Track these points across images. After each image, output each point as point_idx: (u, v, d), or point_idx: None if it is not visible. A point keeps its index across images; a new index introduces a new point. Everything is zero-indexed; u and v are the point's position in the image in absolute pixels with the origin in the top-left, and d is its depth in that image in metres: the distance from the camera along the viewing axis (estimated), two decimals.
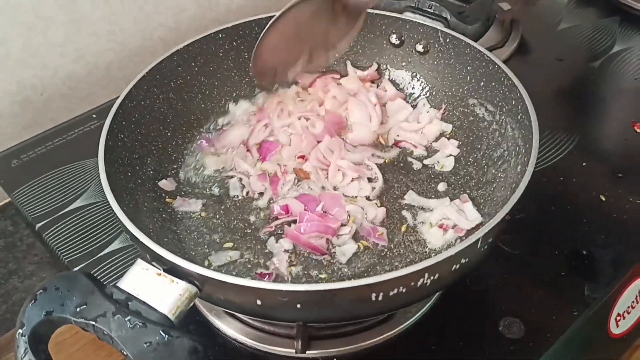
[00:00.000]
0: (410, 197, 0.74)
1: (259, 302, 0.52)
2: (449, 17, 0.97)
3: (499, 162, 0.72)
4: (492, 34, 1.02)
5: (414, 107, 0.84)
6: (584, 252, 0.73)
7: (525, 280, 0.71)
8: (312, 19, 0.74)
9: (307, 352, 0.63)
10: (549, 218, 0.77)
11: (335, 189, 0.74)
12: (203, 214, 0.73)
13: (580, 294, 0.69)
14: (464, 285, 0.69)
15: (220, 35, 0.81)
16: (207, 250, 0.69)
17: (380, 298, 0.52)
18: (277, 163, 0.77)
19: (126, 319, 0.48)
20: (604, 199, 0.79)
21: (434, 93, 0.84)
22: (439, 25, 0.82)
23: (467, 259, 0.54)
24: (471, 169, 0.76)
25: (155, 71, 0.75)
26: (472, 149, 0.78)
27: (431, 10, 0.98)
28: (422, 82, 0.85)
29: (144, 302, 0.50)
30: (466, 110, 0.80)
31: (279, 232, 0.70)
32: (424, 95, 0.85)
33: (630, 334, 0.73)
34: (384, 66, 0.87)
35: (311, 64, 0.79)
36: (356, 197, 0.73)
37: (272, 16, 0.82)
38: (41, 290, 0.50)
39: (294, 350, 0.63)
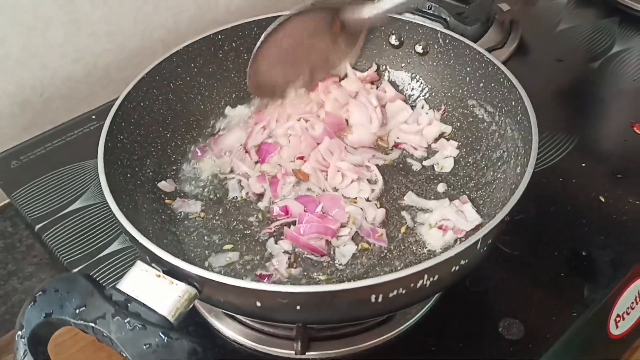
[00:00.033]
0: (410, 198, 0.74)
1: (258, 304, 0.52)
2: (448, 18, 0.97)
3: (499, 163, 0.72)
4: (491, 35, 1.02)
5: (414, 108, 0.84)
6: (584, 253, 0.73)
7: (525, 281, 0.71)
8: (311, 37, 0.74)
9: (307, 353, 0.63)
10: (548, 219, 0.77)
11: (335, 190, 0.74)
12: (202, 215, 0.73)
13: (580, 295, 0.69)
14: (463, 287, 0.69)
15: (219, 37, 0.81)
16: (207, 252, 0.69)
17: (379, 299, 0.52)
18: (277, 164, 0.77)
19: (125, 321, 0.48)
20: (603, 200, 0.79)
21: (433, 94, 0.84)
22: (438, 26, 0.82)
23: (466, 260, 0.54)
24: (470, 170, 0.76)
25: (154, 72, 0.75)
26: (471, 150, 0.78)
27: (430, 11, 0.98)
28: (421, 83, 0.85)
29: (144, 304, 0.50)
30: (465, 111, 0.80)
31: (279, 233, 0.70)
32: (423, 96, 0.85)
33: (629, 334, 0.73)
34: (384, 67, 0.87)
35: (312, 83, 0.80)
36: (356, 198, 0.73)
37: (272, 17, 0.83)
38: (40, 292, 0.50)
39: (293, 352, 0.62)
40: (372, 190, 0.74)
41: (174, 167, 0.78)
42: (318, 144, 0.77)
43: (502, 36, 1.04)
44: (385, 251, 0.68)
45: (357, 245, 0.68)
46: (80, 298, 0.50)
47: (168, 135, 0.78)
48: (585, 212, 0.78)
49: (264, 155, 0.78)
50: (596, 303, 0.68)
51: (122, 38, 1.01)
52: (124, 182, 0.67)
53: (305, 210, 0.71)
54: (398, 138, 0.81)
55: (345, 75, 0.86)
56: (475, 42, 0.78)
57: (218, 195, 0.75)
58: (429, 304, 0.68)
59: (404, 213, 0.72)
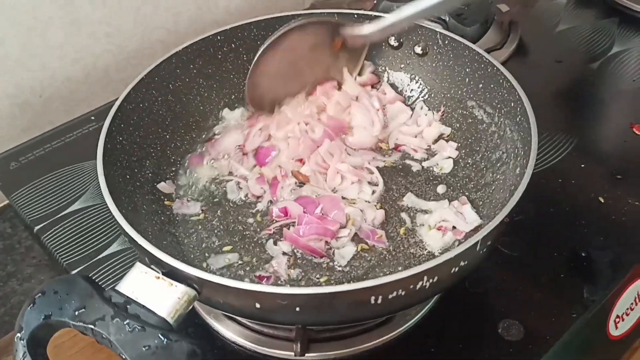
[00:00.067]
0: (409, 199, 0.73)
1: (258, 305, 0.52)
2: (447, 19, 0.97)
3: (498, 164, 0.72)
4: (490, 36, 1.02)
5: (413, 109, 0.84)
6: (583, 254, 0.73)
7: (524, 282, 0.71)
8: (312, 52, 0.74)
9: (306, 354, 0.63)
10: (547, 220, 0.77)
11: (334, 191, 0.74)
12: (202, 217, 0.73)
13: (579, 296, 0.69)
14: (463, 288, 0.69)
15: (218, 38, 0.81)
16: (206, 253, 0.69)
17: (379, 301, 0.52)
18: (277, 166, 0.76)
19: (125, 323, 0.48)
20: (602, 201, 0.79)
21: (432, 95, 0.84)
22: (437, 27, 0.81)
23: (466, 262, 0.54)
24: (470, 171, 0.76)
25: (153, 73, 0.75)
26: (470, 151, 0.78)
27: None
28: (420, 84, 0.85)
29: (143, 306, 0.50)
30: (465, 112, 0.80)
31: (278, 234, 0.70)
32: (422, 97, 0.85)
33: (629, 335, 0.73)
34: (383, 68, 0.87)
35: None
36: (355, 199, 0.73)
37: (272, 18, 0.83)
38: (40, 294, 0.50)
39: (293, 353, 0.62)
40: (373, 191, 0.74)
41: (173, 169, 0.77)
42: (318, 146, 0.77)
43: (501, 37, 1.04)
44: (385, 252, 0.68)
45: (357, 246, 0.68)
46: (80, 300, 0.50)
47: (167, 136, 0.78)
48: (584, 213, 0.78)
49: (262, 158, 0.78)
50: (595, 304, 0.68)
51: (121, 39, 1.01)
52: (123, 184, 0.67)
53: (304, 212, 0.71)
54: (398, 140, 0.81)
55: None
56: (474, 43, 0.78)
57: (217, 197, 0.75)
58: (429, 305, 0.68)
59: (403, 214, 0.72)
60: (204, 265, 0.68)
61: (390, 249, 0.69)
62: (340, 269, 0.67)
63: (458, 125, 0.81)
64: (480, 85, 0.77)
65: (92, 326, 0.48)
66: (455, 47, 0.79)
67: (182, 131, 0.80)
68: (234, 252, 0.69)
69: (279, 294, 0.51)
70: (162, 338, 0.47)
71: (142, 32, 1.03)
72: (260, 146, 0.79)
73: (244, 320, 0.67)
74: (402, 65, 0.86)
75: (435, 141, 0.80)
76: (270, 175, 0.76)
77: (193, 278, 0.52)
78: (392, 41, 0.85)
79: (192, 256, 0.69)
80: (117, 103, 0.70)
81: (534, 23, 1.12)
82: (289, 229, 0.70)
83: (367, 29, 0.73)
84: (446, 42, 0.80)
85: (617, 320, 0.71)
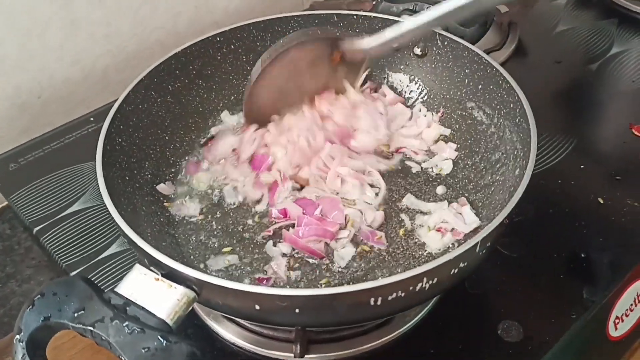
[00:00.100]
0: (409, 200, 0.73)
1: (257, 307, 0.52)
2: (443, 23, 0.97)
3: (497, 166, 0.72)
4: (489, 37, 1.02)
5: (412, 110, 0.84)
6: (582, 255, 0.73)
7: (524, 283, 0.71)
8: (310, 67, 0.74)
9: (306, 356, 0.63)
10: (547, 221, 0.77)
11: (336, 194, 0.74)
12: (201, 218, 0.73)
13: (579, 297, 0.69)
14: (462, 289, 0.69)
15: (218, 39, 0.81)
16: (205, 255, 0.69)
17: (379, 302, 0.52)
18: (277, 169, 0.75)
19: (124, 325, 0.48)
20: (602, 202, 0.79)
21: (432, 96, 0.84)
22: (436, 29, 0.81)
23: (465, 263, 0.54)
24: (469, 172, 0.76)
25: (152, 75, 0.75)
26: (470, 152, 0.77)
27: None
28: (420, 85, 0.85)
29: (142, 307, 0.50)
30: (464, 113, 0.80)
31: (277, 236, 0.70)
32: (421, 98, 0.85)
33: (628, 336, 0.73)
34: (382, 69, 0.87)
35: None
36: (355, 199, 0.73)
37: (271, 19, 0.83)
38: (39, 296, 0.50)
39: (292, 354, 0.62)
40: (376, 194, 0.74)
41: (173, 170, 0.77)
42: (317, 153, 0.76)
43: (501, 38, 1.04)
44: (384, 254, 0.68)
45: (356, 247, 0.68)
46: (79, 302, 0.50)
47: (167, 137, 0.78)
48: (584, 214, 0.78)
49: (258, 164, 0.76)
50: (595, 305, 0.68)
51: (120, 40, 1.01)
52: (122, 185, 0.67)
53: (304, 213, 0.71)
54: (399, 142, 0.81)
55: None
56: (473, 44, 0.78)
57: (216, 199, 0.75)
58: (428, 307, 0.68)
59: (402, 215, 0.72)
60: (204, 266, 0.67)
61: (389, 250, 0.68)
62: (339, 270, 0.67)
63: (457, 126, 0.81)
64: (480, 86, 0.77)
65: (91, 328, 0.49)
66: (455, 48, 0.79)
67: (181, 132, 0.80)
68: (234, 254, 0.69)
69: (278, 295, 0.51)
70: (162, 340, 0.47)
71: (141, 33, 1.03)
72: (256, 153, 0.77)
73: (243, 322, 0.67)
74: (402, 67, 0.86)
75: (435, 142, 0.80)
76: (269, 179, 0.75)
77: (192, 280, 0.52)
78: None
79: (191, 258, 0.69)
80: (116, 104, 0.70)
81: (533, 24, 1.12)
82: (288, 230, 0.70)
83: (366, 43, 0.72)
84: (445, 43, 0.80)
85: (617, 321, 0.71)
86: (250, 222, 0.72)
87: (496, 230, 0.55)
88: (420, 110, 0.83)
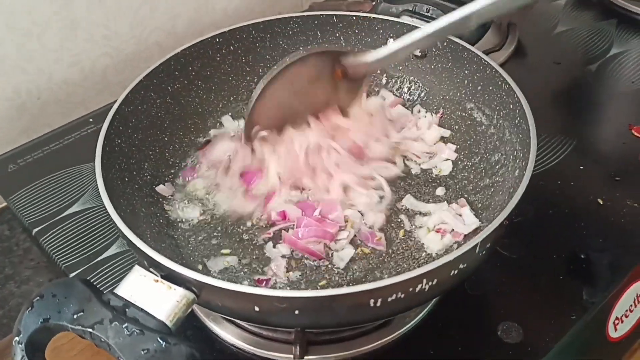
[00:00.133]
0: (408, 201, 0.73)
1: (256, 309, 0.52)
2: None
3: (497, 167, 0.72)
4: (489, 38, 1.02)
5: (412, 112, 0.84)
6: (582, 256, 0.73)
7: (524, 284, 0.71)
8: (311, 85, 0.72)
9: (306, 357, 0.63)
10: (546, 222, 0.77)
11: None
12: (200, 219, 0.73)
13: (579, 298, 0.69)
14: (462, 290, 0.69)
15: (217, 40, 0.81)
16: (205, 256, 0.69)
17: (378, 304, 0.51)
18: (271, 181, 0.73)
19: (123, 326, 0.48)
20: (601, 203, 0.79)
21: (431, 97, 0.84)
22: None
23: (465, 265, 0.54)
24: (469, 174, 0.76)
25: (152, 76, 0.75)
26: (469, 153, 0.77)
27: (428, 14, 0.98)
28: (419, 86, 0.85)
29: (142, 309, 0.50)
30: (464, 114, 0.80)
31: (277, 237, 0.70)
32: (421, 99, 0.85)
33: (628, 337, 0.73)
34: (381, 70, 0.87)
35: None
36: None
37: (270, 20, 0.83)
38: (38, 298, 0.50)
39: (292, 356, 0.62)
40: (380, 199, 0.73)
41: (172, 171, 0.77)
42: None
43: (500, 39, 1.04)
44: (384, 255, 0.68)
45: (356, 249, 0.68)
46: (78, 303, 0.50)
47: (166, 138, 0.78)
48: (583, 215, 0.78)
49: (248, 180, 0.75)
50: (595, 306, 0.68)
51: (118, 41, 1.01)
52: (121, 186, 0.67)
53: (303, 214, 0.71)
54: (402, 145, 0.79)
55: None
56: (472, 44, 0.78)
57: (213, 204, 0.75)
58: (428, 308, 0.68)
59: (402, 216, 0.72)
60: (203, 268, 0.67)
61: (389, 252, 0.68)
62: (339, 271, 0.67)
63: (457, 127, 0.80)
64: (479, 87, 0.77)
65: (90, 330, 0.48)
66: (454, 49, 0.79)
67: (180, 133, 0.80)
68: (233, 255, 0.69)
69: (278, 297, 0.50)
70: (161, 342, 0.47)
71: (140, 34, 1.03)
72: (247, 167, 0.75)
73: (242, 323, 0.67)
74: (401, 67, 0.86)
75: (434, 143, 0.80)
76: (262, 191, 0.73)
77: (192, 281, 0.51)
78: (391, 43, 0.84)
79: (191, 259, 0.68)
80: (116, 106, 0.70)
81: (532, 25, 1.12)
82: (287, 231, 0.70)
83: (370, 56, 0.71)
84: (445, 44, 0.80)
85: (617, 322, 0.71)
86: (249, 223, 0.72)
87: (496, 232, 0.55)
88: (419, 112, 0.83)
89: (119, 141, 0.70)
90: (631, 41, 1.08)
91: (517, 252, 0.73)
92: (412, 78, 0.85)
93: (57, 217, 0.81)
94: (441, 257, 0.52)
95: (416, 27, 0.80)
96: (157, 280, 0.52)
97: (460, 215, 0.70)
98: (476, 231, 0.67)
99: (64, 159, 0.88)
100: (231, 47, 0.83)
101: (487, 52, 0.94)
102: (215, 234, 0.71)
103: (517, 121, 0.69)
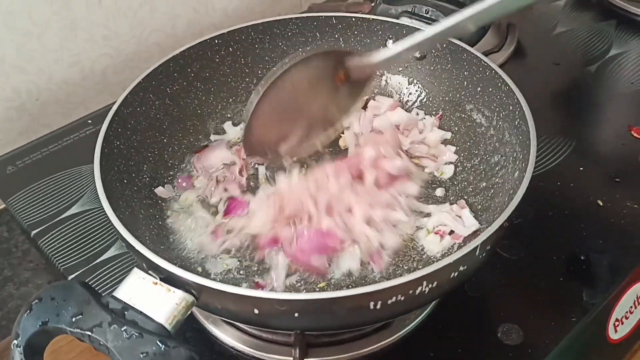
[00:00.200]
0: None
1: (256, 311, 0.52)
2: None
3: (497, 168, 0.71)
4: (488, 39, 1.02)
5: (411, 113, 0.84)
6: (582, 257, 0.73)
7: (524, 286, 0.70)
8: (312, 88, 0.69)
9: (305, 359, 0.63)
10: (546, 223, 0.77)
11: None
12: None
13: (579, 300, 0.69)
14: (462, 292, 0.69)
15: (216, 41, 0.81)
16: (204, 259, 0.68)
17: (378, 306, 0.51)
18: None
19: (122, 329, 0.48)
20: (601, 204, 0.79)
21: (430, 98, 0.84)
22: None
23: (465, 267, 0.54)
24: (469, 175, 0.76)
25: (151, 77, 0.75)
26: (469, 155, 0.77)
27: (427, 15, 0.98)
28: (418, 87, 0.85)
29: (141, 312, 0.50)
30: (463, 115, 0.79)
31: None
32: (420, 100, 0.84)
33: (628, 339, 0.73)
34: (381, 71, 0.87)
35: (307, 143, 0.72)
36: None
37: (269, 21, 0.83)
38: (36, 300, 0.50)
39: (291, 358, 0.62)
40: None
41: (171, 173, 0.77)
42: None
43: (499, 39, 1.04)
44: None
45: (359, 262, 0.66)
46: (77, 306, 0.49)
47: (165, 140, 0.78)
48: (583, 216, 0.78)
49: (232, 210, 0.72)
50: (595, 307, 0.68)
51: (118, 42, 1.01)
52: (120, 188, 0.67)
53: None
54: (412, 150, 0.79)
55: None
56: (472, 46, 0.78)
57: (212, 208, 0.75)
58: (428, 310, 0.68)
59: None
60: (202, 270, 0.67)
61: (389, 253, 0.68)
62: (339, 273, 0.66)
63: (457, 128, 0.80)
64: (479, 89, 0.76)
65: (89, 333, 0.48)
66: (453, 50, 0.79)
67: (179, 135, 0.80)
68: (233, 258, 0.68)
69: (277, 299, 0.50)
70: (160, 345, 0.47)
71: (140, 35, 1.03)
72: (234, 198, 0.74)
73: (242, 326, 0.67)
74: (400, 69, 0.86)
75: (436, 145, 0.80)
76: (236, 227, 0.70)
77: (191, 284, 0.51)
78: (390, 44, 0.84)
79: (190, 261, 0.68)
80: (115, 107, 0.70)
81: (531, 25, 1.12)
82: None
83: (375, 56, 0.68)
84: (444, 45, 0.80)
85: (617, 323, 0.71)
86: None
87: (496, 234, 0.55)
88: (417, 114, 0.83)
89: (118, 143, 0.69)
90: (630, 42, 1.07)
91: (517, 254, 0.73)
92: (411, 79, 0.85)
93: (56, 219, 0.80)
94: (441, 260, 0.52)
95: (416, 29, 0.81)
96: (156, 283, 0.52)
97: (460, 217, 0.70)
98: (476, 233, 0.67)
99: (63, 161, 0.88)
100: (230, 49, 0.82)
101: (486, 53, 0.95)
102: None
103: (516, 122, 0.68)
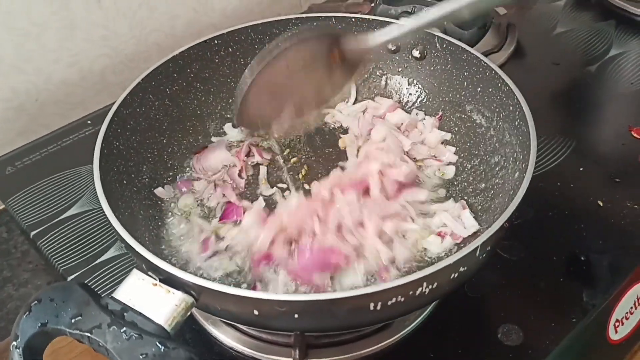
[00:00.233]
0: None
1: (256, 312, 0.52)
2: (445, 23, 0.96)
3: (497, 169, 0.71)
4: (488, 39, 1.02)
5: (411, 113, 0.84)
6: (582, 258, 0.73)
7: (524, 286, 0.70)
8: (306, 67, 0.68)
9: None
10: (546, 223, 0.77)
11: None
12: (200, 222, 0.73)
13: (579, 300, 0.69)
14: (462, 293, 0.69)
15: (215, 42, 0.81)
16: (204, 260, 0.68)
17: (378, 307, 0.51)
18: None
19: (122, 331, 0.48)
20: (601, 204, 0.79)
21: (430, 99, 0.84)
22: (435, 31, 0.81)
23: (465, 268, 0.54)
24: (468, 176, 0.75)
25: (150, 78, 0.75)
26: (469, 156, 0.77)
27: None
28: (418, 87, 0.85)
29: (140, 313, 0.49)
30: (463, 116, 0.79)
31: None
32: (420, 101, 0.84)
33: (629, 339, 0.73)
34: (381, 72, 0.86)
35: (299, 119, 0.72)
36: None
37: (269, 22, 0.83)
38: (36, 302, 0.50)
39: (291, 359, 0.62)
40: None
41: (171, 174, 0.77)
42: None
43: (499, 40, 1.04)
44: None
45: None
46: (76, 307, 0.49)
47: (164, 141, 0.78)
48: (583, 217, 0.78)
49: (228, 215, 0.72)
50: (595, 308, 0.68)
51: (117, 42, 1.00)
52: (120, 189, 0.67)
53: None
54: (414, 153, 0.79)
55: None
56: (472, 46, 0.78)
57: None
58: (428, 310, 0.68)
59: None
60: (202, 271, 0.67)
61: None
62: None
63: (457, 129, 0.80)
64: (479, 89, 0.76)
65: (88, 334, 0.48)
66: (453, 50, 0.79)
67: (179, 136, 0.80)
68: (232, 259, 0.68)
69: (277, 300, 0.50)
70: (160, 346, 0.47)
71: (139, 35, 1.03)
72: (231, 203, 0.73)
73: (242, 327, 0.67)
74: (400, 69, 0.86)
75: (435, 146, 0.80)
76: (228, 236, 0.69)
77: (191, 285, 0.51)
78: (390, 45, 0.84)
79: (190, 263, 0.68)
80: (114, 108, 0.69)
81: (531, 26, 1.12)
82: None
83: (372, 39, 0.68)
84: (444, 45, 0.80)
85: (617, 324, 0.71)
86: None
87: (496, 235, 0.55)
88: (417, 114, 0.83)
89: (117, 144, 0.69)
90: (630, 42, 1.07)
91: (517, 254, 0.73)
92: (411, 80, 0.85)
93: (55, 220, 0.80)
94: (441, 261, 0.52)
95: None
96: (156, 284, 0.51)
97: (460, 218, 0.69)
98: (476, 234, 0.67)
99: (62, 161, 0.88)
100: (230, 49, 0.82)
101: (486, 54, 0.95)
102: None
103: (516, 123, 0.68)
